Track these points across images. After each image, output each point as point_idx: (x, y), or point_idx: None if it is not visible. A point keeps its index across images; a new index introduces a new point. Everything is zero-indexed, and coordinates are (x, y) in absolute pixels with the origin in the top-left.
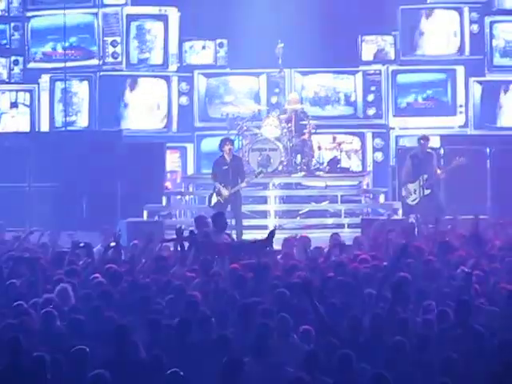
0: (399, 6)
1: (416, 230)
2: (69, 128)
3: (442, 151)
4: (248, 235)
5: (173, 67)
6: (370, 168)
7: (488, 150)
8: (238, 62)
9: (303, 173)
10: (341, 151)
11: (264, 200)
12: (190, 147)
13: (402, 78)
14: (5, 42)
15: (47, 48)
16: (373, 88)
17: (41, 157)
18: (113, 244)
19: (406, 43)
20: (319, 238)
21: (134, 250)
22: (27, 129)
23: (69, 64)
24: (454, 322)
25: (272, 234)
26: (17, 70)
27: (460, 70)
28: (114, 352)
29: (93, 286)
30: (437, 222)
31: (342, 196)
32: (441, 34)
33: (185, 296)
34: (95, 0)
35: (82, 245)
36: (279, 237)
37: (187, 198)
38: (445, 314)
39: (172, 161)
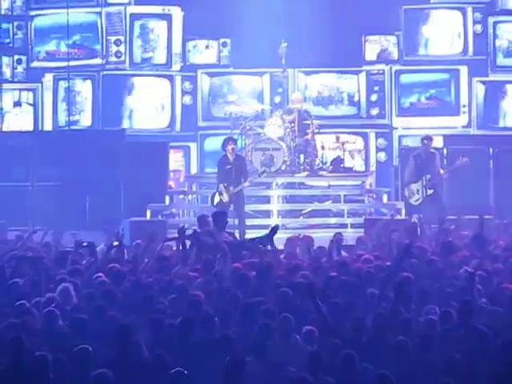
0: (402, 6)
1: (419, 230)
2: (72, 127)
3: (445, 151)
4: (251, 235)
5: (176, 66)
6: (373, 168)
7: (491, 150)
8: (242, 62)
9: (306, 172)
10: (344, 151)
11: (267, 199)
12: (193, 146)
13: (405, 78)
14: (8, 40)
15: (50, 47)
16: (376, 88)
17: (44, 156)
18: (116, 243)
19: (410, 43)
20: (322, 237)
21: (136, 249)
22: (30, 128)
23: (72, 63)
24: (456, 322)
25: (273, 230)
26: (20, 69)
27: (463, 70)
28: (117, 351)
29: (96, 285)
30: (440, 222)
31: (345, 196)
32: (444, 34)
33: (187, 296)
34: None
35: (85, 244)
36: (282, 236)
37: (190, 197)
38: (448, 315)
39: (175, 160)
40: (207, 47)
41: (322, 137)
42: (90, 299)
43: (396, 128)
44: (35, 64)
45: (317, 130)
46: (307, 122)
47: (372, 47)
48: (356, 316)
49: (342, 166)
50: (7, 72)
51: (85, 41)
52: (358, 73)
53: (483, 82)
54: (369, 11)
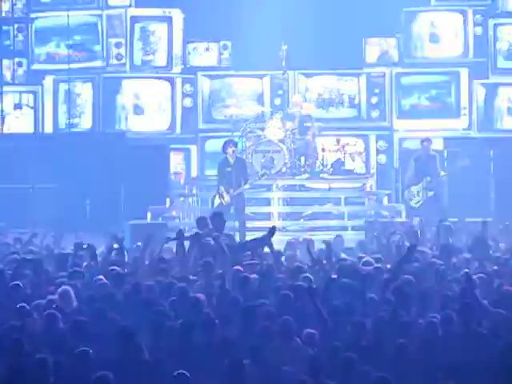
0: (403, 8)
1: (419, 232)
2: (72, 129)
3: (445, 153)
4: (251, 237)
5: (177, 69)
6: (373, 170)
7: (491, 152)
8: (242, 64)
9: (307, 175)
10: (344, 153)
11: (267, 202)
12: (193, 149)
13: (405, 81)
14: (8, 43)
15: (51, 49)
16: (376, 90)
17: (44, 158)
18: (115, 246)
19: (410, 45)
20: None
21: (137, 251)
22: (31, 130)
23: (72, 65)
24: (457, 324)
25: (271, 232)
26: (20, 71)
27: (464, 73)
28: (118, 354)
29: (96, 287)
30: (440, 225)
31: (345, 198)
32: (445, 36)
33: (188, 298)
34: (99, 1)
35: (84, 246)
36: (283, 239)
37: (191, 199)
38: (448, 317)
39: (176, 162)
40: (207, 49)
41: (323, 139)
42: (90, 302)
43: (396, 130)
44: (36, 66)
45: (317, 133)
46: (308, 124)
47: (372, 49)
48: (356, 319)
49: (342, 168)
50: (8, 74)
51: (85, 43)
52: (358, 75)
53: (484, 85)
54: (369, 13)
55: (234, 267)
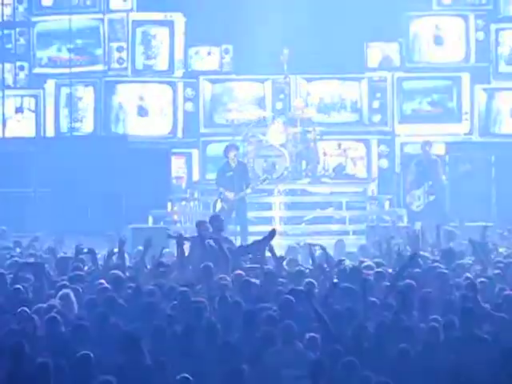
0: (405, 12)
1: (421, 236)
2: (74, 133)
3: (446, 158)
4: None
5: (178, 73)
6: (375, 175)
7: (493, 157)
8: (244, 68)
9: (308, 179)
10: (346, 158)
11: (269, 206)
12: (195, 153)
13: (407, 85)
14: (10, 46)
15: (52, 53)
16: (378, 95)
17: (46, 162)
18: (115, 250)
19: (412, 50)
20: (324, 244)
21: (138, 255)
22: (32, 134)
23: (74, 69)
24: (458, 329)
25: (271, 235)
26: (22, 75)
27: (465, 78)
28: (120, 358)
29: (97, 291)
30: (440, 229)
31: (347, 202)
32: (446, 41)
33: (189, 302)
34: (101, 5)
35: (85, 250)
36: (284, 243)
37: (192, 204)
38: (450, 322)
39: (177, 166)
40: (209, 54)
41: (324, 143)
42: (91, 306)
43: (398, 135)
44: (37, 70)
45: (319, 137)
46: (309, 128)
47: (374, 54)
48: (358, 323)
49: (344, 172)
50: (9, 78)
51: (87, 47)
52: (360, 79)
53: (485, 90)
54: (371, 18)
55: (236, 272)
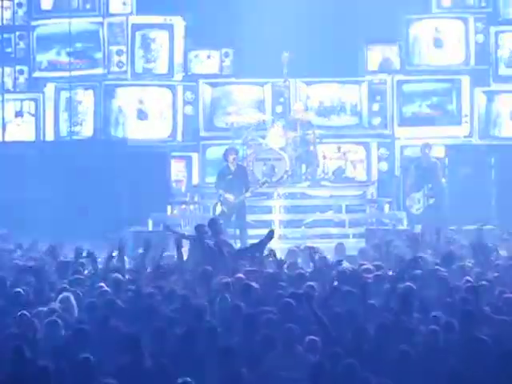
0: (404, 15)
1: (420, 239)
2: (74, 137)
3: (446, 161)
4: None
5: (178, 76)
6: (374, 178)
7: (493, 159)
8: (243, 72)
9: (308, 182)
10: (346, 161)
11: (268, 210)
12: (194, 156)
13: (407, 88)
14: (10, 50)
15: (52, 57)
16: (378, 97)
17: (46, 166)
18: (115, 253)
19: (411, 53)
20: (324, 247)
21: (138, 258)
22: (32, 138)
23: (74, 73)
24: (458, 331)
25: (269, 236)
26: (22, 79)
27: (465, 80)
28: (120, 361)
29: (97, 294)
30: (440, 232)
31: (346, 206)
32: (446, 43)
33: (189, 305)
34: (100, 9)
35: (84, 254)
36: (284, 246)
37: (192, 207)
38: (450, 324)
39: (177, 170)
40: (209, 57)
41: (324, 147)
42: (91, 309)
43: (398, 138)
44: (37, 74)
45: (318, 140)
46: (309, 131)
47: (374, 57)
48: (358, 325)
49: (343, 176)
50: (9, 82)
51: (87, 51)
52: (359, 82)
53: (485, 92)
54: (371, 21)
55: (236, 275)
